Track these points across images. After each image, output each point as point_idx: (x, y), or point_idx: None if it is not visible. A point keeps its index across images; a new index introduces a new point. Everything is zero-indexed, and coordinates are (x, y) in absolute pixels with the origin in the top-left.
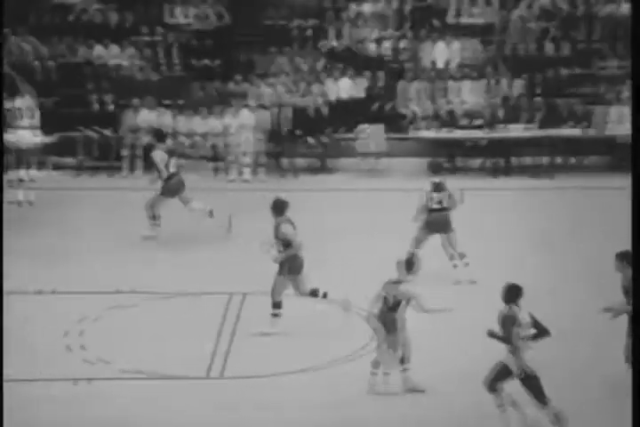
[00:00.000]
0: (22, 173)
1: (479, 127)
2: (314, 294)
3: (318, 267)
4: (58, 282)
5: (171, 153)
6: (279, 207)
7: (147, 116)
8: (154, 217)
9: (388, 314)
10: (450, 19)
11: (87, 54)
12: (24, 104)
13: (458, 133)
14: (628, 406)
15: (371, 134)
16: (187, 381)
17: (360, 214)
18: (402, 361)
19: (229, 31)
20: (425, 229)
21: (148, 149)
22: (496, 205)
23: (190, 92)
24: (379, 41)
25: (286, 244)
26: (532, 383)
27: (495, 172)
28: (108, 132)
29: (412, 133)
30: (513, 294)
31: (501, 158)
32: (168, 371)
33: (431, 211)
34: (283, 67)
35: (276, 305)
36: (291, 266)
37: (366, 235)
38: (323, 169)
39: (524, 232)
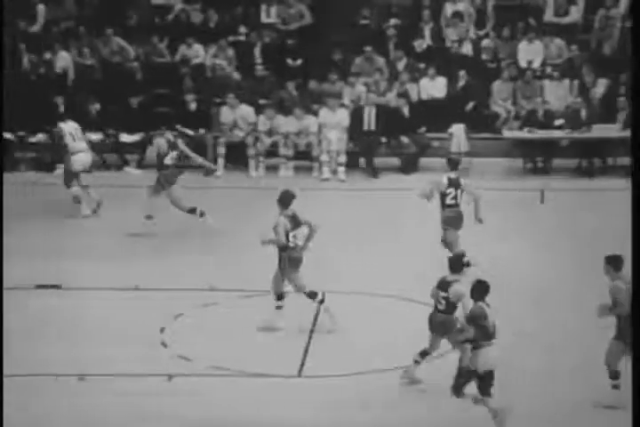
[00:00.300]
0: (76, 189)
1: (564, 127)
2: (311, 296)
3: (389, 263)
4: (146, 279)
5: (172, 146)
6: (282, 200)
7: (243, 114)
8: (191, 211)
9: (437, 315)
10: (548, 17)
11: (183, 54)
12: (72, 127)
13: (542, 133)
14: (628, 406)
15: (454, 134)
16: (271, 379)
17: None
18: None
19: (322, 31)
20: (447, 226)
21: (238, 148)
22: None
23: (284, 92)
24: (473, 40)
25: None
26: (485, 380)
27: (579, 172)
28: (201, 131)
29: (499, 133)
30: (482, 290)
31: (586, 159)
32: (253, 369)
33: (447, 206)
34: (376, 66)
35: (278, 297)
36: (289, 261)
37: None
38: (407, 168)
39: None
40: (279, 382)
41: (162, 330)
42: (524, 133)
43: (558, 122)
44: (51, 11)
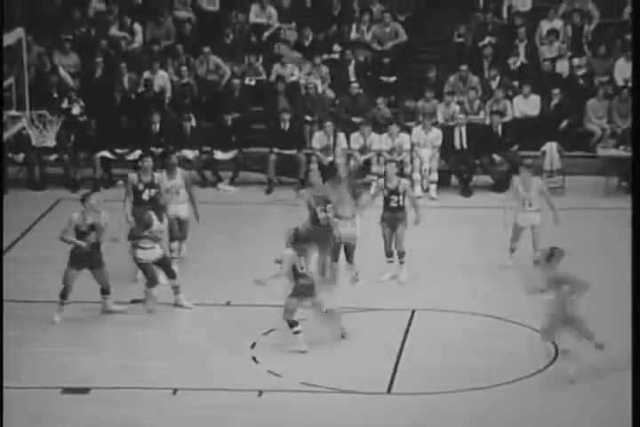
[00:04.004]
0: None
1: None
2: None
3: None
4: (237, 295)
5: None
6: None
7: (336, 141)
8: None
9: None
10: None
11: (278, 72)
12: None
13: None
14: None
15: (547, 152)
16: (360, 395)
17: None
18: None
19: (417, 49)
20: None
21: (331, 165)
22: None
23: (377, 109)
24: (568, 58)
25: None
26: None
27: None
28: (293, 150)
29: (593, 151)
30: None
31: None
32: (342, 385)
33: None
34: (470, 85)
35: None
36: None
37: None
38: (499, 186)
39: None
40: (368, 398)
41: (253, 345)
42: (620, 151)
43: None
44: (151, 30)
